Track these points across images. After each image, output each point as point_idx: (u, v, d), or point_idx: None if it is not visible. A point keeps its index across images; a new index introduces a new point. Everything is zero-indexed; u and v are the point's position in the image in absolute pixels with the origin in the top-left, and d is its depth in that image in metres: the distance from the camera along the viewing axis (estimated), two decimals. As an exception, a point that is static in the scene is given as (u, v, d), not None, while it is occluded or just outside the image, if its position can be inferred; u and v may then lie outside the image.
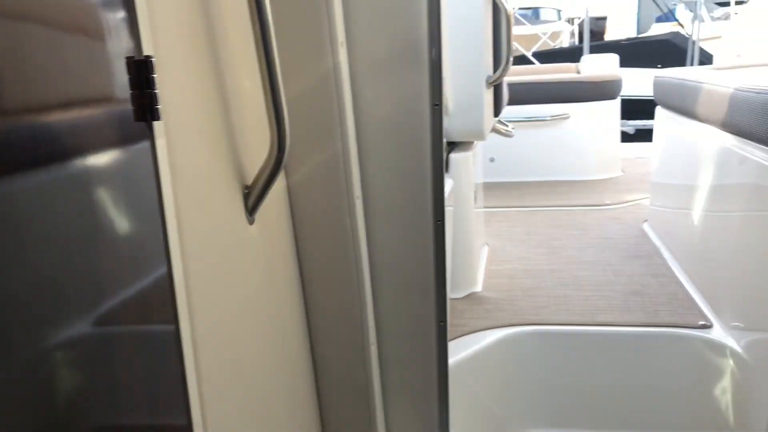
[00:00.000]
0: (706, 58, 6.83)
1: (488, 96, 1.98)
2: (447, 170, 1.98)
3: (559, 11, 17.24)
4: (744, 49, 3.60)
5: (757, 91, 1.45)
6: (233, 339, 0.88)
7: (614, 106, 3.76)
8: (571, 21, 14.45)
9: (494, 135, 3.83)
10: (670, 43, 7.33)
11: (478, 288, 2.09)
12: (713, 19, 15.45)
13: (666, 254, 2.32)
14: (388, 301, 1.23)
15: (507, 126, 2.35)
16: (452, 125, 1.97)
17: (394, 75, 1.12)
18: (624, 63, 7.42)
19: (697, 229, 1.99)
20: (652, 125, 6.35)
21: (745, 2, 14.41)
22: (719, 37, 11.61)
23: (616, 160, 3.83)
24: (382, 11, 1.09)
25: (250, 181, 0.95)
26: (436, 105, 1.14)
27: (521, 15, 15.47)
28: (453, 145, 2.12)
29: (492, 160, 3.80)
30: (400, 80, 1.12)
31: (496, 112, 2.08)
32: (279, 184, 1.08)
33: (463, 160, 1.98)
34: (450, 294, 2.04)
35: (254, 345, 0.95)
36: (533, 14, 17.46)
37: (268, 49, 0.85)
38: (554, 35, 12.53)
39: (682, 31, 7.73)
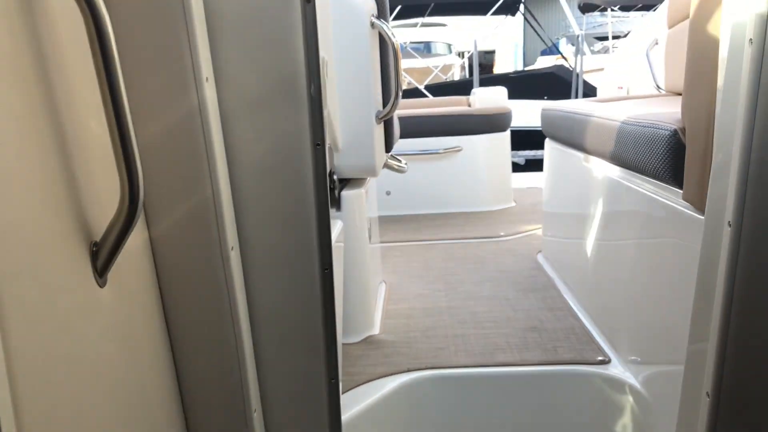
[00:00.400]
0: (589, 90, 7.16)
1: (379, 131, 1.92)
2: (339, 208, 1.89)
3: (449, 45, 17.79)
4: (624, 81, 3.76)
5: (640, 123, 1.46)
6: (82, 427, 0.74)
7: (505, 137, 3.83)
8: (461, 55, 14.93)
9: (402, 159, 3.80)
10: (555, 75, 7.66)
11: (375, 331, 2.00)
12: (593, 52, 16.41)
13: (561, 286, 2.33)
14: (272, 362, 1.12)
15: (400, 161, 2.30)
16: (343, 162, 1.89)
17: (270, 113, 1.02)
18: (512, 95, 7.67)
19: (588, 260, 1.99)
20: (541, 155, 6.56)
21: (623, 37, 15.37)
22: (601, 70, 12.30)
23: (509, 191, 3.89)
24: (254, 44, 0.99)
25: (99, 237, 0.81)
26: (318, 144, 1.05)
27: (413, 49, 15.83)
28: (345, 182, 2.04)
29: (388, 193, 3.76)
30: (278, 118, 1.02)
31: (388, 147, 2.02)
32: (138, 238, 0.95)
33: (355, 197, 1.90)
34: (345, 339, 1.94)
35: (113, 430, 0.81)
36: (425, 48, 17.93)
37: (114, 85, 0.73)
38: (446, 68, 12.87)
39: (566, 64, 8.10)
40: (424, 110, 3.72)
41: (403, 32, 15.63)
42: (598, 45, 17.70)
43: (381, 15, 1.85)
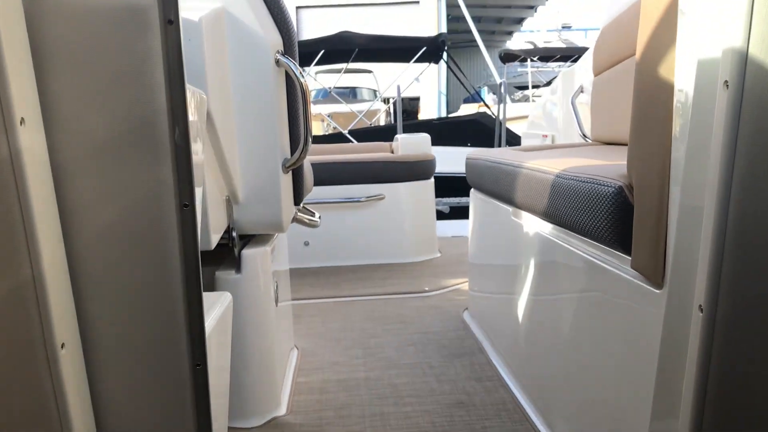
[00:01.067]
0: (512, 138, 7.19)
1: (286, 182, 1.69)
2: (238, 269, 1.64)
3: (375, 91, 17.89)
4: (549, 130, 3.68)
5: (578, 178, 1.29)
6: None
7: (428, 185, 3.67)
8: (386, 101, 14.99)
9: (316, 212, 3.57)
10: (478, 122, 7.66)
11: (282, 411, 1.74)
12: (514, 101, 16.83)
13: (489, 349, 2.13)
14: None
15: (313, 215, 2.08)
16: (245, 216, 1.65)
17: (120, 165, 0.78)
18: (436, 141, 7.61)
19: (519, 324, 1.81)
20: (466, 203, 6.47)
21: (543, 86, 15.79)
22: (523, 118, 12.55)
23: (433, 241, 3.71)
24: (97, 77, 0.76)
25: None
26: (186, 205, 0.82)
27: (338, 94, 15.78)
28: (247, 238, 1.80)
29: (306, 244, 3.52)
30: (131, 172, 0.79)
31: (297, 199, 1.79)
32: None
33: (258, 257, 1.66)
34: (244, 423, 1.67)
35: None
36: (350, 93, 17.98)
37: None
38: (371, 114, 12.84)
39: (489, 111, 8.14)
40: (345, 156, 3.52)
41: (328, 77, 15.59)
42: (519, 94, 18.20)
43: (288, 51, 1.64)
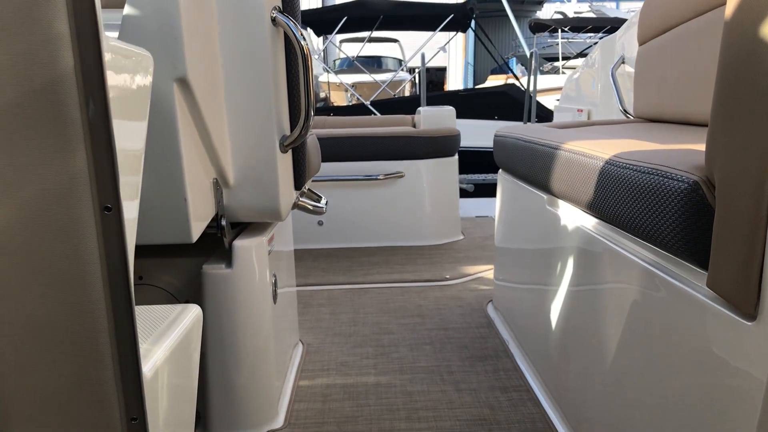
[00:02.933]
0: (542, 112, 6.86)
1: (285, 163, 1.46)
2: (229, 263, 1.42)
3: (401, 61, 17.52)
4: (584, 104, 3.40)
5: (636, 167, 1.04)
6: None
7: (452, 162, 3.41)
8: (412, 71, 14.65)
9: (325, 195, 3.34)
10: (506, 94, 7.33)
11: (278, 422, 1.53)
12: (543, 72, 16.34)
13: (515, 351, 1.90)
14: None
15: (318, 199, 1.84)
16: (236, 202, 1.43)
17: (6, 155, 0.56)
18: (461, 114, 7.32)
19: (549, 325, 1.57)
20: (492, 180, 6.19)
21: (573, 58, 15.33)
22: (554, 90, 12.14)
23: (456, 223, 3.47)
24: None
25: None
26: (108, 208, 0.59)
27: (363, 63, 15.45)
28: (241, 227, 1.57)
29: (320, 224, 3.30)
30: (25, 165, 0.56)
31: (299, 182, 1.56)
32: None
33: (252, 249, 1.44)
34: (234, 440, 1.46)
35: None
36: (375, 63, 17.64)
37: None
38: (395, 84, 12.54)
39: (518, 83, 7.80)
40: (362, 130, 3.27)
41: (353, 46, 15.23)
42: (548, 65, 17.69)
43: (287, 9, 1.40)
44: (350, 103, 8.30)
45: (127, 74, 0.64)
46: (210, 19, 1.26)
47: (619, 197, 1.10)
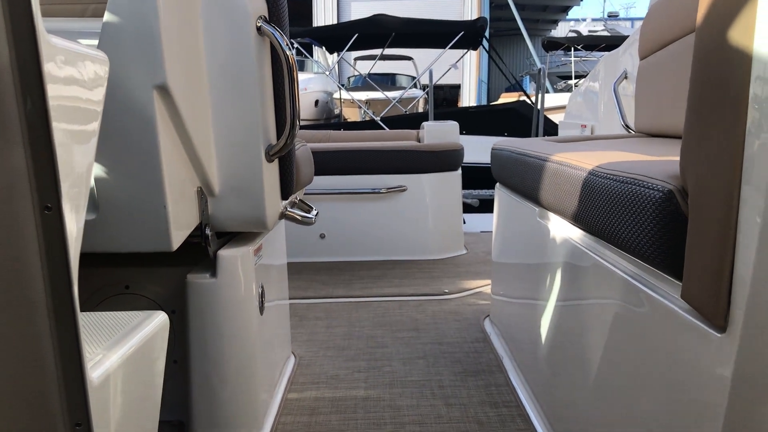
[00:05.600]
0: (551, 128, 6.84)
1: (271, 172, 1.45)
2: (214, 273, 1.42)
3: (414, 78, 17.58)
4: (587, 119, 3.38)
5: (615, 177, 1.03)
6: None
7: (455, 177, 3.39)
8: (425, 88, 14.69)
9: (327, 208, 3.34)
10: (516, 111, 7.33)
11: (263, 434, 1.51)
12: (556, 90, 16.33)
13: (509, 367, 1.87)
14: None
15: (309, 210, 1.84)
16: (221, 212, 1.42)
17: None
18: (471, 130, 7.32)
19: (539, 339, 1.55)
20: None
21: (585, 76, 15.35)
22: (564, 107, 12.11)
23: (459, 237, 3.44)
24: None
25: None
26: (48, 208, 0.58)
27: (377, 81, 15.52)
28: (228, 236, 1.57)
29: (322, 236, 3.29)
30: None
31: (286, 192, 1.55)
32: None
33: (238, 259, 1.43)
34: (215, 452, 1.44)
35: None
36: (389, 81, 17.71)
37: None
38: (408, 101, 12.57)
39: (529, 101, 7.80)
40: (365, 143, 3.27)
41: (367, 64, 15.32)
42: (562, 83, 17.69)
43: (274, 18, 1.40)
44: (363, 119, 8.30)
45: (74, 73, 0.64)
46: (194, 27, 1.26)
47: (600, 207, 1.08)
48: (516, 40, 27.28)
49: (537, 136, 5.75)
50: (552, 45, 14.21)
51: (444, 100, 22.32)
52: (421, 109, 15.86)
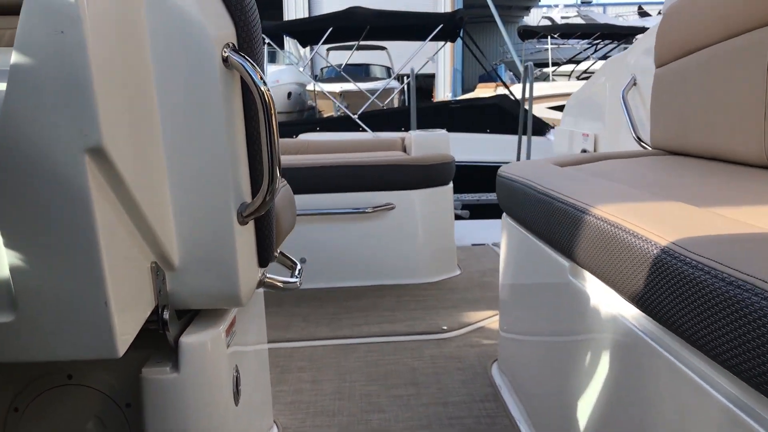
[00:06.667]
0: (536, 125, 6.60)
1: (245, 236, 1.16)
2: (175, 366, 1.12)
3: (389, 68, 17.24)
4: (590, 127, 3.12)
5: (698, 265, 0.76)
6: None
7: (446, 192, 3.12)
8: (400, 79, 14.38)
9: (309, 230, 3.05)
10: (498, 107, 7.06)
11: None
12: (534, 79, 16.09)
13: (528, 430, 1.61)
14: None
15: (294, 266, 1.54)
16: (183, 287, 1.12)
17: None
18: (452, 127, 7.04)
19: (572, 418, 1.28)
20: (487, 200, 5.91)
21: (562, 64, 15.12)
22: (546, 97, 11.86)
23: (452, 256, 3.17)
24: None
25: None
26: None
27: (350, 71, 15.14)
28: (192, 313, 1.27)
29: (303, 261, 3.00)
30: None
31: (263, 258, 1.26)
32: None
33: (206, 345, 1.14)
34: None
35: None
36: (363, 71, 17.34)
37: None
38: (384, 94, 12.26)
39: (509, 93, 7.53)
40: (349, 158, 2.97)
41: (340, 55, 14.93)
42: (537, 71, 17.48)
43: (244, 47, 1.10)
44: (338, 112, 7.96)
45: None
46: (140, 60, 0.96)
47: (680, 299, 0.81)
48: (489, 27, 27.02)
49: (525, 134, 5.47)
50: (527, 34, 13.96)
51: (419, 89, 21.99)
52: (396, 103, 15.54)
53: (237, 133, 1.09)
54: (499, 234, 4.00)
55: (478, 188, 6.57)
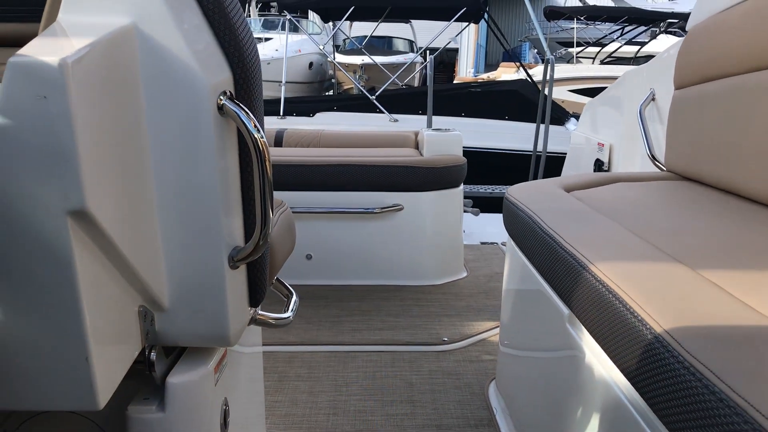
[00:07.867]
0: (556, 113, 6.50)
1: (236, 279, 1.15)
2: (161, 406, 1.12)
3: (411, 42, 17.02)
4: (606, 137, 3.06)
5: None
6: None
7: (456, 194, 3.09)
8: (423, 54, 14.20)
9: (315, 227, 3.04)
10: (518, 93, 6.96)
11: None
12: (556, 58, 15.82)
13: None
14: None
15: (288, 297, 1.53)
16: (171, 326, 1.12)
17: None
18: (470, 113, 6.97)
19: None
20: (499, 193, 5.85)
21: (591, 45, 14.82)
22: (568, 80, 11.66)
23: (459, 258, 3.15)
24: None
25: None
26: None
27: (372, 43, 14.97)
28: (178, 350, 1.27)
29: (309, 257, 3.00)
30: None
31: (255, 298, 1.25)
32: None
33: (194, 385, 1.14)
34: None
35: None
36: (385, 44, 17.14)
37: None
38: (408, 70, 12.12)
39: (530, 79, 7.41)
40: (359, 156, 2.94)
41: (362, 24, 14.73)
42: (562, 50, 17.18)
43: (241, 94, 1.08)
44: (358, 84, 7.87)
45: None
46: (131, 113, 0.94)
47: (670, 392, 0.79)
48: (514, 3, 26.56)
49: (543, 122, 5.39)
50: (554, 14, 13.71)
51: (440, 63, 21.73)
52: (417, 81, 15.35)
53: (231, 181, 1.07)
54: None
55: (492, 176, 6.52)
